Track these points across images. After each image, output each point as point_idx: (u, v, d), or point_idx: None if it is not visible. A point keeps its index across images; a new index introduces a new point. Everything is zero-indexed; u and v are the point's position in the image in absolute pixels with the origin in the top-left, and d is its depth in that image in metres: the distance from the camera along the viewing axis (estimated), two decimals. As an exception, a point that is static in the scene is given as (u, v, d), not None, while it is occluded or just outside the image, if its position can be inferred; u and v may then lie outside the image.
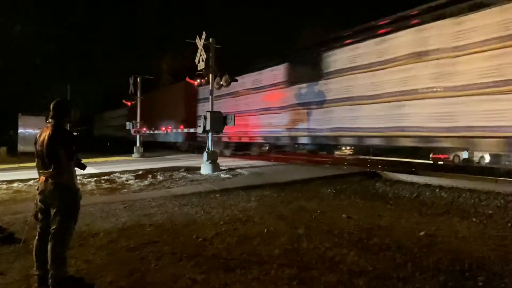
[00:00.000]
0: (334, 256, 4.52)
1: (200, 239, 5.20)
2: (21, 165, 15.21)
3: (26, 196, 8.73)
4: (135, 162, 17.29)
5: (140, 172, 12.78)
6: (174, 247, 4.86)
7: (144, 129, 22.40)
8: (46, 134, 3.66)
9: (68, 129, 4.21)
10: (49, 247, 3.57)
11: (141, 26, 57.25)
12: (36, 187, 3.81)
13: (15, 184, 10.33)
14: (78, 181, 9.71)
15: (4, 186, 10.08)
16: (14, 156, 20.92)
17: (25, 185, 10.27)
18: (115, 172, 12.65)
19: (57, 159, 3.59)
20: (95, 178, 11.41)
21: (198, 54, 13.45)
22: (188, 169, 13.56)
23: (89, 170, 12.60)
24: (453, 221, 6.34)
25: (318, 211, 6.92)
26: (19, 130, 24.14)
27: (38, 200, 3.75)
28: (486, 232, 5.64)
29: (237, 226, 5.91)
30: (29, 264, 3.96)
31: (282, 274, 3.98)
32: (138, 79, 22.36)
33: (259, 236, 5.32)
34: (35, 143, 3.75)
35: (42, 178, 3.69)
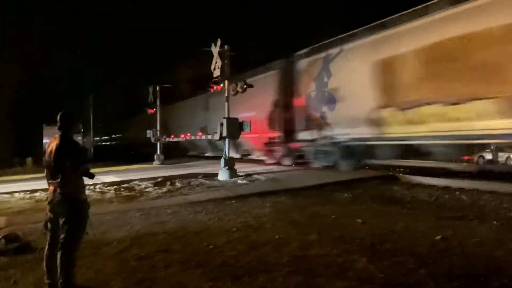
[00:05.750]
0: (343, 263, 4.46)
1: (210, 247, 5.21)
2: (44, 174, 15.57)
3: (46, 205, 8.91)
4: (155, 170, 17.47)
5: (159, 180, 12.90)
6: (184, 255, 4.89)
7: (164, 136, 22.65)
8: (53, 145, 3.76)
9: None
10: (58, 256, 3.65)
11: (159, 35, 58.15)
12: (46, 197, 3.91)
13: (37, 194, 10.58)
14: (98, 190, 9.82)
15: (27, 196, 10.35)
16: (40, 166, 21.47)
17: (46, 194, 10.49)
18: (135, 180, 12.80)
19: (64, 169, 3.67)
20: (115, 186, 11.57)
21: (213, 62, 13.53)
22: (206, 176, 13.62)
23: (109, 178, 12.97)
24: (471, 224, 6.17)
25: (332, 217, 6.85)
26: (44, 141, 24.77)
27: (48, 210, 3.85)
28: (506, 236, 5.46)
29: (248, 233, 5.90)
30: (43, 273, 4.02)
31: (289, 282, 3.94)
32: (157, 88, 22.65)
33: (269, 243, 5.30)
34: (44, 153, 3.85)
35: (51, 188, 3.79)
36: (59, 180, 3.71)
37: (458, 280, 3.90)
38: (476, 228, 5.92)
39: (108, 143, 58.09)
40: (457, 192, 8.91)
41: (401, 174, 11.66)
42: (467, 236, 5.48)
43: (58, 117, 3.87)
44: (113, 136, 56.12)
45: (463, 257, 4.59)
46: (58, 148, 3.72)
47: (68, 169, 3.68)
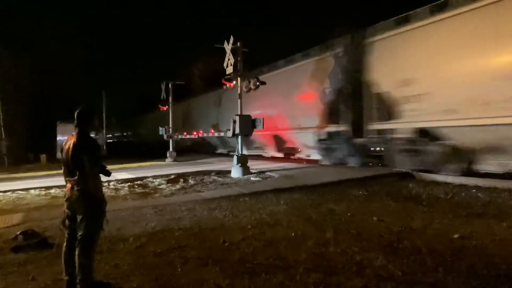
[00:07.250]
0: (361, 260, 4.42)
1: (227, 244, 5.21)
2: (59, 171, 15.73)
3: (62, 201, 8.92)
4: (168, 167, 17.53)
5: (172, 177, 12.96)
6: (200, 252, 4.89)
7: (177, 133, 22.73)
8: (71, 142, 3.77)
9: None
10: (76, 252, 3.66)
11: (173, 33, 58.31)
12: (64, 194, 3.93)
13: (52, 190, 10.70)
14: (112, 187, 9.85)
15: (43, 192, 10.46)
16: (54, 163, 21.69)
17: (62, 191, 10.59)
18: (148, 177, 12.88)
19: (82, 166, 3.67)
20: (129, 183, 11.66)
21: (226, 58, 13.52)
22: (219, 173, 13.65)
23: (123, 175, 13.04)
24: (489, 222, 6.07)
25: (348, 214, 6.80)
26: (58, 138, 25.00)
27: (65, 206, 3.87)
28: (526, 234, 5.37)
29: (264, 230, 5.88)
30: (60, 269, 4.04)
31: (307, 279, 3.92)
32: (169, 85, 22.70)
33: (286, 240, 5.28)
34: (61, 151, 3.87)
35: (69, 185, 3.81)
36: (76, 177, 3.72)
37: (478, 279, 3.84)
38: (495, 227, 5.82)
39: (120, 140, 58.48)
40: (474, 190, 8.78)
41: (416, 172, 11.52)
42: (485, 234, 5.40)
43: (76, 114, 3.86)
44: (127, 133, 56.47)
45: (482, 256, 4.51)
46: (75, 145, 3.73)
47: (86, 166, 3.69)
